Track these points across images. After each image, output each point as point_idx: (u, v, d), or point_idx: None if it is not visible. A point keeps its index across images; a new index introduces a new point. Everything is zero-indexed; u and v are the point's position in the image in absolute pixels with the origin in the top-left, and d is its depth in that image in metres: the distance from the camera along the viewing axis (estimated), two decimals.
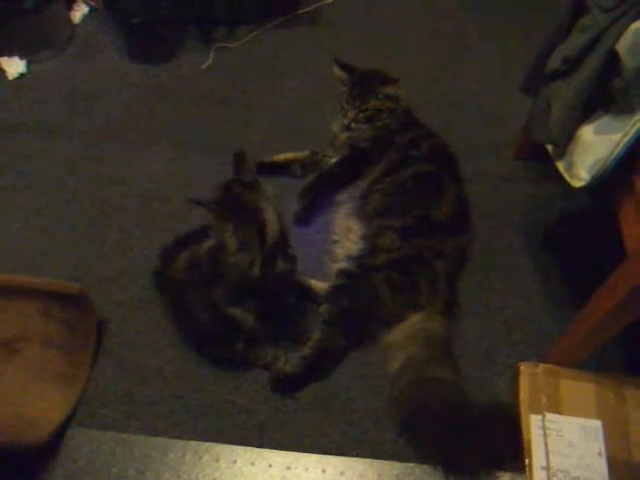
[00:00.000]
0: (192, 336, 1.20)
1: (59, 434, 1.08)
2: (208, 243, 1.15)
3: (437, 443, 1.06)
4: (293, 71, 1.83)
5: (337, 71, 1.50)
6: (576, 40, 0.93)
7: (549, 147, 1.06)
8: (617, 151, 0.89)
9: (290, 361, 1.17)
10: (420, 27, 1.97)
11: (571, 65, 0.93)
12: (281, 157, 1.53)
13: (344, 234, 1.35)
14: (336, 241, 1.36)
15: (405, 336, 1.18)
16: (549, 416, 1.06)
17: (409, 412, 1.09)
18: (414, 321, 1.20)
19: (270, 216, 1.06)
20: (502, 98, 1.70)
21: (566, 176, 0.99)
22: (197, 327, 1.15)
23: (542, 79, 1.04)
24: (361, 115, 1.44)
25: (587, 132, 0.94)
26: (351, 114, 1.45)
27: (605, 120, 0.93)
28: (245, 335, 1.13)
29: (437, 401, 1.08)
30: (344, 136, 1.48)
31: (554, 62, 0.98)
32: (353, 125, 1.45)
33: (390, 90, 1.44)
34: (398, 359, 1.15)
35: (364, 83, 1.46)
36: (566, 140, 0.97)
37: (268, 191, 1.10)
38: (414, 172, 1.33)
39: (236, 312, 1.12)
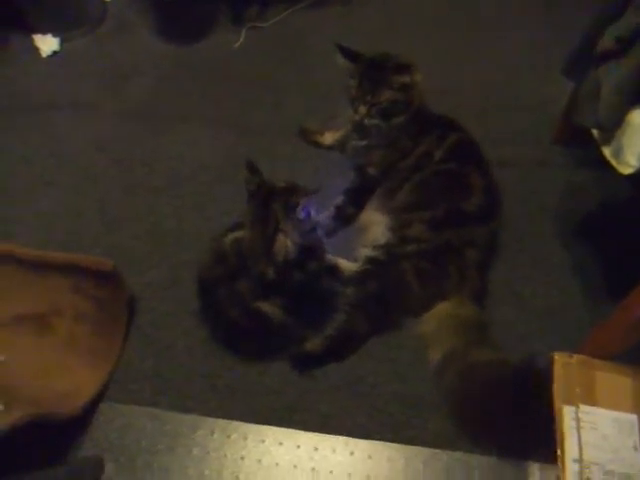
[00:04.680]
0: (222, 332, 1.18)
1: (91, 408, 1.10)
2: (231, 236, 1.16)
3: (495, 427, 1.04)
4: (324, 51, 1.78)
5: (340, 60, 1.32)
6: (631, 19, 0.88)
7: (595, 132, 1.02)
8: None
9: (312, 340, 1.16)
10: (457, 9, 1.92)
11: (625, 45, 0.89)
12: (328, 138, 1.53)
13: (369, 227, 1.32)
14: (362, 231, 1.33)
15: (439, 325, 1.16)
16: (583, 407, 1.04)
17: (462, 401, 1.08)
18: (444, 309, 1.18)
19: (284, 238, 1.10)
20: (539, 81, 1.65)
21: (613, 162, 0.96)
22: (227, 323, 1.14)
23: (590, 61, 1.00)
24: (374, 110, 1.29)
25: (638, 116, 0.90)
26: (363, 110, 1.29)
27: None
28: (276, 328, 1.13)
29: (489, 384, 1.05)
30: (351, 145, 1.40)
31: (606, 42, 0.93)
32: (366, 121, 1.31)
33: (405, 79, 1.27)
34: (438, 350, 1.13)
35: (374, 73, 1.28)
36: (615, 124, 0.93)
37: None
38: (438, 169, 1.28)
39: (264, 306, 1.12)
